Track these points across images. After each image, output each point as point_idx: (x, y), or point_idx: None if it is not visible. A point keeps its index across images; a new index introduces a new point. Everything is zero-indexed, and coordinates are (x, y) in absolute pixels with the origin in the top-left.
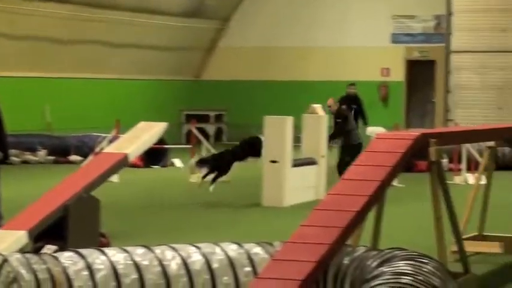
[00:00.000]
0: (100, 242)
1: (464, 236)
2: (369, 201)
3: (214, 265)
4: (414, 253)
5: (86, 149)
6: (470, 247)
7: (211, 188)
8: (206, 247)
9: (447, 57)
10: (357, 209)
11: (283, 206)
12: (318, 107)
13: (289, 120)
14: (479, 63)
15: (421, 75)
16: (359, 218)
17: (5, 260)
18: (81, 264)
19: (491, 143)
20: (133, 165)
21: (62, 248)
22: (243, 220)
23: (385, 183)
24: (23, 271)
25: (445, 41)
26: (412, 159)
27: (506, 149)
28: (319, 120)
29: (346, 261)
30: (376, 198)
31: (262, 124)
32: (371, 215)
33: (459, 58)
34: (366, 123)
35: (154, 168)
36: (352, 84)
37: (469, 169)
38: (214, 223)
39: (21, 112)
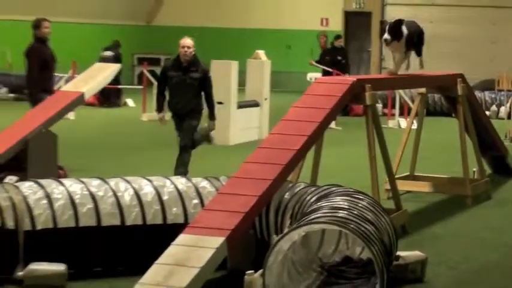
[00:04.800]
0: (58, 174)
1: (396, 176)
2: (308, 141)
3: (165, 197)
4: (350, 190)
5: None
6: (402, 186)
7: None
8: (157, 180)
9: (382, 9)
10: (297, 148)
11: (229, 145)
12: (261, 52)
13: (234, 65)
14: (412, 15)
15: (358, 26)
16: (299, 156)
17: None
18: (40, 193)
19: (422, 90)
20: (89, 104)
21: (23, 179)
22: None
23: (323, 125)
24: None
25: None
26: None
27: (437, 96)
28: (262, 65)
29: (287, 196)
30: (315, 138)
31: (209, 67)
32: (310, 154)
33: (393, 10)
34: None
35: (108, 107)
36: (339, 36)
37: (402, 114)
38: (164, 159)
39: None
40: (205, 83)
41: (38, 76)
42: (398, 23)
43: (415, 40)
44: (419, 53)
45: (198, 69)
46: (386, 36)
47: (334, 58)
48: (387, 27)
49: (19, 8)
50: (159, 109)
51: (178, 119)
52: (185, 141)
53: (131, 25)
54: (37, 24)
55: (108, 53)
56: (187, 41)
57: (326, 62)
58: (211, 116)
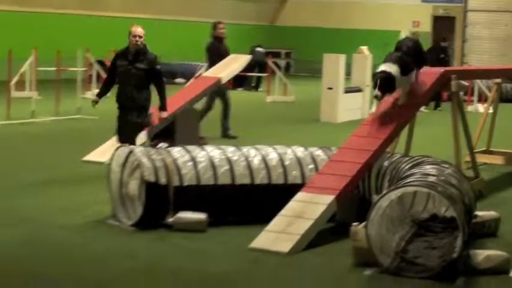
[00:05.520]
0: (199, 143)
1: (475, 150)
2: (403, 119)
3: (286, 162)
4: (438, 160)
5: (188, 74)
6: (479, 159)
7: None
8: (280, 148)
9: (464, 15)
10: (394, 125)
11: (337, 122)
12: (365, 48)
13: (342, 58)
14: (489, 20)
15: (444, 28)
16: (395, 131)
17: (131, 151)
18: (187, 157)
19: (498, 80)
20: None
21: (172, 145)
22: (306, 131)
23: (416, 107)
24: (144, 160)
25: (463, 1)
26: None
27: (509, 85)
28: (365, 58)
29: (385, 163)
30: (409, 118)
31: (321, 60)
32: (404, 131)
33: (474, 15)
34: None
35: (239, 90)
36: (444, 38)
37: (479, 100)
38: (285, 132)
39: None
40: (152, 75)
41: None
42: (389, 77)
43: (414, 61)
44: (418, 67)
45: (145, 60)
46: (376, 92)
47: (438, 55)
48: (378, 81)
49: (165, 9)
50: (99, 94)
51: (122, 112)
52: (127, 139)
53: (258, 25)
54: (214, 26)
55: (261, 49)
56: (138, 30)
57: (431, 58)
58: (161, 107)
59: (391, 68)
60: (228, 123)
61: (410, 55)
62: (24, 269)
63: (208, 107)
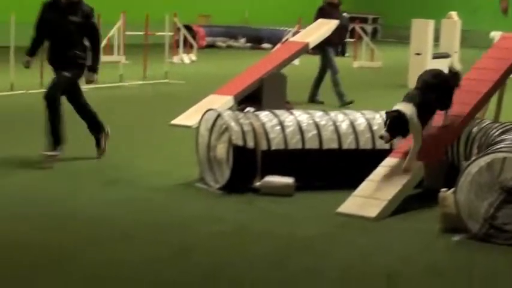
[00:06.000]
0: (285, 107)
1: None
2: (493, 86)
3: (375, 127)
4: None
5: (275, 39)
6: None
7: None
8: (368, 113)
9: None
10: (484, 91)
11: None
12: (454, 14)
13: (431, 23)
14: None
15: None
16: (486, 98)
17: (219, 115)
18: (275, 121)
19: None
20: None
21: (258, 110)
22: (394, 97)
23: (507, 73)
24: (233, 123)
25: None
26: None
27: None
28: (454, 24)
29: (474, 130)
30: (499, 84)
31: (409, 26)
32: (494, 97)
33: None
34: None
35: None
36: None
37: None
38: (372, 97)
39: (227, 10)
40: (87, 29)
41: None
42: (401, 119)
43: (438, 98)
44: (444, 107)
45: (79, 12)
46: (383, 133)
47: None
48: (388, 121)
49: None
50: (29, 52)
51: (56, 74)
52: (50, 92)
53: None
54: None
55: (345, 14)
56: None
57: None
58: (92, 67)
59: (407, 108)
60: (318, 89)
61: (430, 91)
62: (115, 229)
63: (335, 71)
